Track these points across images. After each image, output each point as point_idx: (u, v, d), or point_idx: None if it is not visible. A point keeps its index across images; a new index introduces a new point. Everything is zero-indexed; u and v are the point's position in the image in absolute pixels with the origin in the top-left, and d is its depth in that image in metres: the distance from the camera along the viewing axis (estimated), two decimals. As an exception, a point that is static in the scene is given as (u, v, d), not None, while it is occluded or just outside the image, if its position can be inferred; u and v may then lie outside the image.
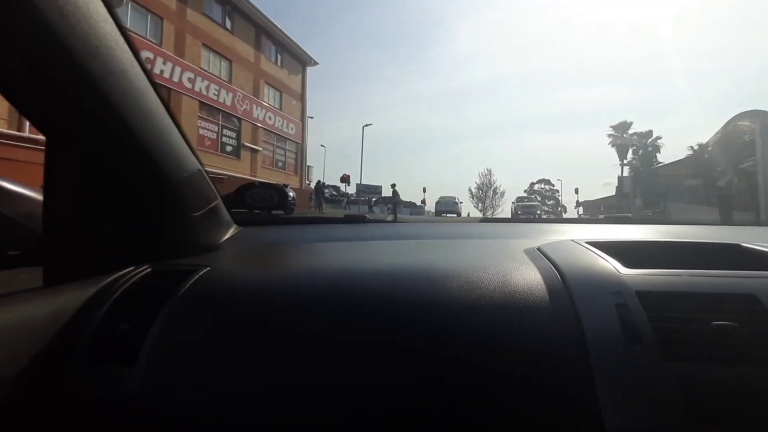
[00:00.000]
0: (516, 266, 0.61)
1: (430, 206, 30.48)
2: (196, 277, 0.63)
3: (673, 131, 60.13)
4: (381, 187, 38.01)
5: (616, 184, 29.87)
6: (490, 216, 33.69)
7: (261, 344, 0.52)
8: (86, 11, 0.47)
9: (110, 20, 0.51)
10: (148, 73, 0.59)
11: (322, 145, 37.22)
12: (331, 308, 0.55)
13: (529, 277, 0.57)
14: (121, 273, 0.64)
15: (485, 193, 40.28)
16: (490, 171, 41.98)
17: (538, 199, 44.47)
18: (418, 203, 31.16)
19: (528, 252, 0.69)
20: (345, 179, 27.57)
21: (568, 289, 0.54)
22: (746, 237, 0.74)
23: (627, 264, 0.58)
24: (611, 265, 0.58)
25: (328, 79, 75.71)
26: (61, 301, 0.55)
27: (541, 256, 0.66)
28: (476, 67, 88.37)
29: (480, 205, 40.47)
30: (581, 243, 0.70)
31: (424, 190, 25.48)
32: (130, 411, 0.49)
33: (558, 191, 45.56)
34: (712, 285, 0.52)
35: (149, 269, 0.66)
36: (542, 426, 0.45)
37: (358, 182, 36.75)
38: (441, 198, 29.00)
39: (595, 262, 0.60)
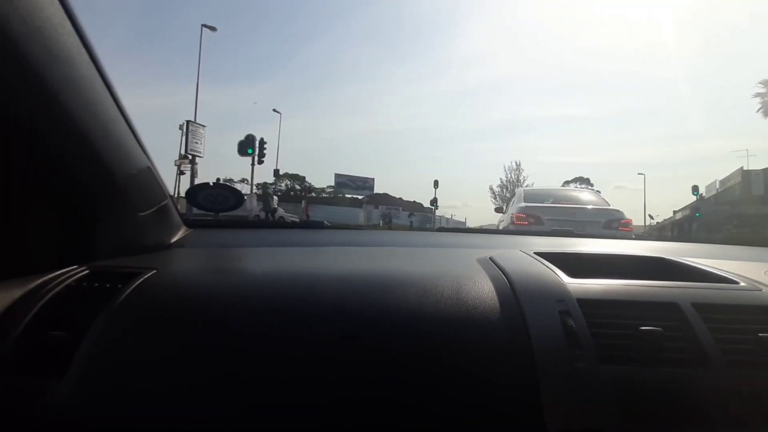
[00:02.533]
0: (469, 274, 0.64)
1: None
2: (140, 280, 0.59)
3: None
4: (373, 180, 33.48)
5: (718, 184, 22.68)
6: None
7: (208, 354, 0.49)
8: None
9: (56, 2, 0.47)
10: (96, 61, 0.55)
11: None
12: (286, 314, 0.54)
13: (481, 285, 0.60)
14: (53, 275, 0.58)
15: (512, 192, 29.91)
16: (518, 165, 31.91)
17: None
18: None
19: (480, 261, 0.72)
20: (275, 173, 24.92)
21: (516, 296, 0.57)
22: (671, 252, 0.84)
23: (570, 273, 0.62)
24: (556, 274, 0.62)
25: (334, 77, 73.22)
26: None
27: (492, 265, 0.69)
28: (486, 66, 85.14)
29: (505, 207, 32.90)
30: (529, 253, 0.75)
31: (436, 185, 20.36)
32: (56, 427, 0.45)
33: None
34: (641, 294, 0.57)
35: (86, 271, 0.61)
36: (487, 426, 0.47)
37: (339, 172, 32.47)
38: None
39: (542, 271, 0.64)
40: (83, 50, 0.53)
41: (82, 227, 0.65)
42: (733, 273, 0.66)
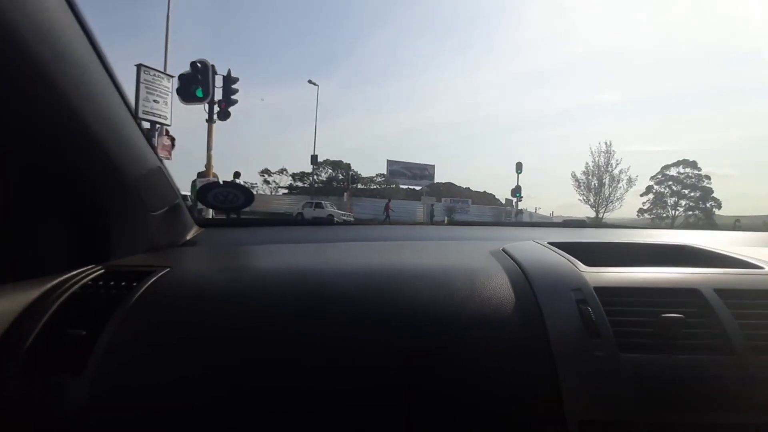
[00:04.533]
0: (483, 266, 0.63)
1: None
2: (155, 278, 0.60)
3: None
4: (432, 167, 27.56)
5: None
6: (601, 218, 24.77)
7: (224, 349, 0.50)
8: None
9: (64, 4, 0.48)
10: (105, 63, 0.56)
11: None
12: (299, 308, 0.54)
13: (495, 277, 0.59)
14: (69, 274, 0.60)
15: (600, 179, 25.55)
16: (609, 146, 25.95)
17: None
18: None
19: (494, 253, 0.71)
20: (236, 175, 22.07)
21: (531, 285, 0.56)
22: (691, 240, 0.81)
23: (586, 263, 0.61)
24: (572, 263, 0.61)
25: (389, 72, 71.46)
26: (0, 302, 0.51)
27: (506, 256, 0.68)
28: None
29: (592, 198, 25.59)
30: (543, 243, 0.73)
31: (519, 170, 16.24)
32: (74, 423, 0.46)
33: (708, 178, 28.00)
34: (661, 281, 0.55)
35: (102, 270, 0.62)
36: (506, 416, 0.46)
37: (391, 159, 26.58)
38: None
39: (557, 260, 0.63)
40: (93, 53, 0.54)
41: (96, 228, 0.66)
42: (757, 258, 0.64)
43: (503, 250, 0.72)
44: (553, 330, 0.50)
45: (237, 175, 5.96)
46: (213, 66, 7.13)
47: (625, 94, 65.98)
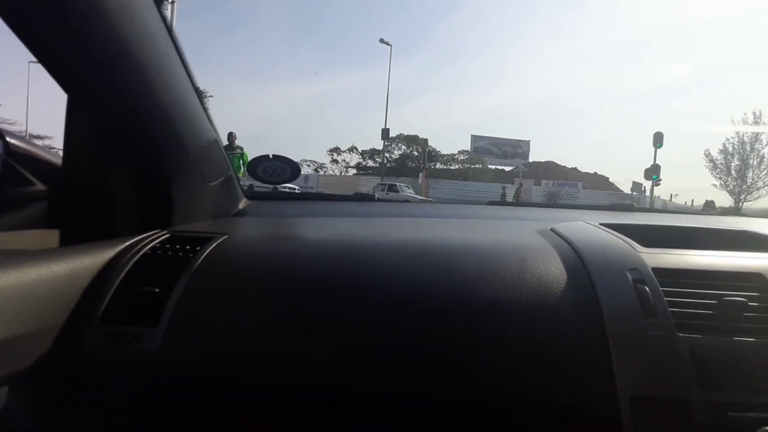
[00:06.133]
0: (531, 243, 0.63)
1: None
2: (215, 244, 0.63)
3: None
4: (527, 143, 23.43)
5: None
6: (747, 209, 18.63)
7: (279, 309, 0.53)
8: None
9: None
10: (174, 38, 0.59)
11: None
12: (352, 277, 0.56)
13: (544, 252, 0.59)
14: (140, 237, 0.64)
15: (744, 159, 19.86)
16: (758, 117, 19.58)
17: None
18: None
19: (541, 232, 0.70)
20: (384, 134, 18.92)
21: (584, 264, 0.56)
22: (750, 226, 0.77)
23: (642, 244, 0.59)
24: (628, 243, 0.60)
25: (470, 48, 67.64)
26: (79, 261, 0.55)
27: (554, 235, 0.67)
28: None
29: (732, 183, 19.97)
30: (594, 224, 0.71)
31: (659, 143, 11.63)
32: (149, 369, 0.51)
33: None
34: (723, 264, 0.55)
35: (167, 234, 0.67)
36: (557, 389, 0.47)
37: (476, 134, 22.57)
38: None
39: (611, 240, 0.62)
40: (163, 27, 0.56)
41: (161, 195, 0.71)
42: None
43: (551, 229, 0.70)
44: (608, 308, 0.49)
45: (231, 135, 5.82)
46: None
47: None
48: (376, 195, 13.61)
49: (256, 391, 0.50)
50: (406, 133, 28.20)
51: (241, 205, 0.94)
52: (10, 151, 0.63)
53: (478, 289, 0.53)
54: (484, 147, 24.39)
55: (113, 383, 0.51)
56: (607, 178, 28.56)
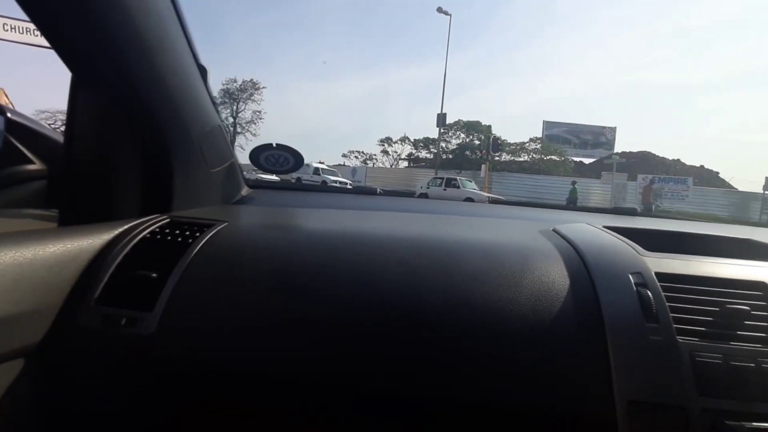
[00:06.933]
0: (533, 242, 0.62)
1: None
2: (214, 231, 0.63)
3: None
4: (613, 129, 19.60)
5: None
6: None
7: (278, 297, 0.53)
8: None
9: None
10: (182, 21, 0.58)
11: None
12: (348, 269, 0.56)
13: (546, 252, 0.58)
14: (140, 220, 0.65)
15: None
16: None
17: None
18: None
19: (543, 233, 0.69)
20: (440, 120, 16.38)
21: (586, 266, 0.55)
22: (754, 235, 0.74)
23: (644, 248, 0.59)
24: (631, 247, 0.59)
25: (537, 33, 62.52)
26: (77, 242, 0.55)
27: (557, 235, 0.66)
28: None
29: None
30: (597, 227, 0.69)
31: None
32: (143, 352, 0.51)
33: None
34: (726, 272, 0.54)
35: (167, 219, 0.67)
36: (553, 390, 0.46)
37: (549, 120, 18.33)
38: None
39: (614, 243, 0.61)
40: (172, 9, 0.56)
41: (162, 179, 0.73)
42: None
43: (554, 230, 0.69)
44: (608, 311, 0.49)
45: None
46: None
47: None
48: (430, 190, 11.58)
49: (248, 380, 0.50)
50: (465, 120, 24.45)
51: (243, 193, 0.96)
52: (11, 129, 0.64)
53: (477, 286, 0.52)
54: (558, 135, 20.11)
55: (107, 366, 0.51)
56: (717, 173, 22.69)
